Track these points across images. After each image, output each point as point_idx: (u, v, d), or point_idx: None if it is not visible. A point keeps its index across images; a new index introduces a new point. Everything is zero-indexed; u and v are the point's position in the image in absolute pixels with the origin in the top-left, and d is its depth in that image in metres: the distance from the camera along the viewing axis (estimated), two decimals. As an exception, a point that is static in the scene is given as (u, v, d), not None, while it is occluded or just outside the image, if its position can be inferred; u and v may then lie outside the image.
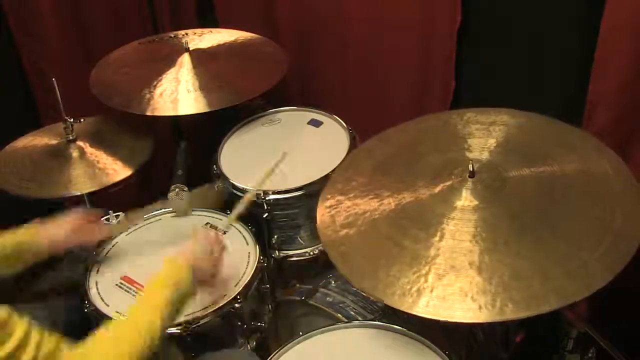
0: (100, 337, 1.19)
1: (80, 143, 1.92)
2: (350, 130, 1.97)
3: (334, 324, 1.54)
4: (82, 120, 2.00)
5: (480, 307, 1.17)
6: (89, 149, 1.91)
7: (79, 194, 1.82)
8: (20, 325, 1.10)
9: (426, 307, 1.20)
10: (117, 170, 1.86)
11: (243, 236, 1.78)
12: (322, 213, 1.46)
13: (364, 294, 1.73)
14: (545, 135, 1.53)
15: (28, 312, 1.61)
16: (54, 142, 1.94)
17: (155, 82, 1.97)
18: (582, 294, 1.16)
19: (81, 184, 1.82)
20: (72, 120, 1.90)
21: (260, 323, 1.73)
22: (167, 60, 2.05)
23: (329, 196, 1.50)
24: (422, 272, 1.25)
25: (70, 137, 1.91)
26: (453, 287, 1.21)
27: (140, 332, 1.19)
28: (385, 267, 1.28)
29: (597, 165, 1.42)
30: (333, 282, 1.82)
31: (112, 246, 1.79)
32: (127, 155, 1.91)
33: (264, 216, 1.80)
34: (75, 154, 1.89)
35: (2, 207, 2.01)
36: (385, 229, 1.36)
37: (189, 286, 1.33)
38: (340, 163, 1.78)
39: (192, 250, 1.41)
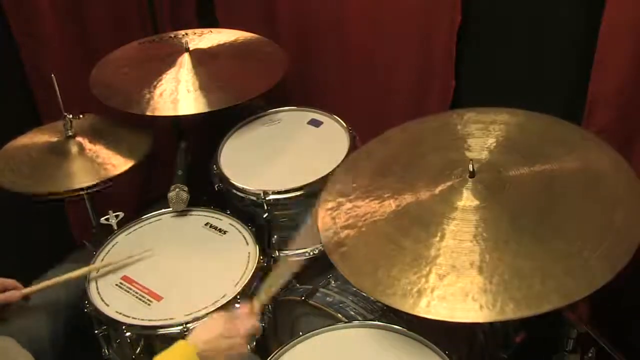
0: None
1: (79, 139, 1.92)
2: (350, 130, 1.97)
3: (334, 324, 1.54)
4: (81, 116, 1.99)
5: (481, 307, 1.17)
6: (87, 145, 1.91)
7: (77, 187, 1.82)
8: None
9: (427, 307, 1.20)
10: (116, 165, 1.85)
11: (243, 236, 1.78)
12: (323, 215, 1.46)
13: (364, 294, 1.73)
14: (545, 134, 1.52)
15: (29, 312, 1.64)
16: (53, 139, 1.94)
17: (155, 82, 1.96)
18: (583, 292, 1.16)
19: (80, 178, 1.82)
20: (71, 116, 1.90)
21: (260, 323, 1.73)
22: (167, 60, 2.05)
23: (330, 198, 1.50)
24: (422, 273, 1.25)
25: (70, 133, 1.91)
26: (454, 287, 1.21)
27: None
28: (386, 267, 1.28)
29: (597, 164, 1.42)
30: (333, 282, 1.81)
31: (112, 246, 1.79)
32: (127, 149, 1.90)
33: (264, 216, 1.80)
34: (74, 149, 1.89)
35: (2, 207, 2.01)
36: (386, 229, 1.36)
37: None
38: (341, 164, 1.78)
39: (209, 338, 1.33)
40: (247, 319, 1.38)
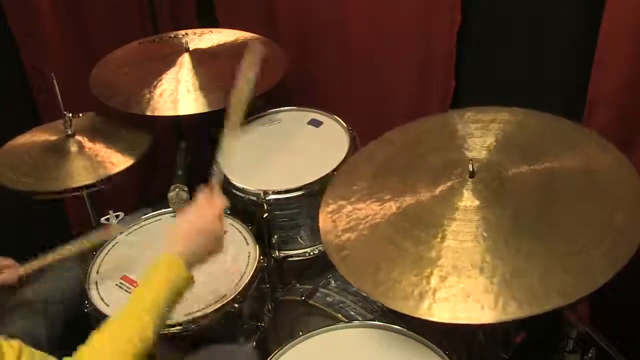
0: (91, 348, 1.16)
1: (79, 137, 1.92)
2: (350, 130, 1.97)
3: (334, 324, 1.54)
4: (80, 115, 1.99)
5: (483, 308, 1.17)
6: (87, 143, 1.91)
7: (77, 186, 1.82)
8: (10, 350, 1.09)
9: (429, 309, 1.20)
10: (115, 163, 1.85)
11: (243, 236, 1.78)
12: (324, 218, 1.46)
13: (363, 294, 1.73)
14: (544, 133, 1.52)
15: (28, 312, 1.64)
16: (53, 138, 1.94)
17: (155, 82, 1.96)
18: (584, 291, 1.16)
19: (80, 176, 1.82)
20: (70, 115, 1.90)
21: (260, 323, 1.73)
22: (167, 60, 2.05)
23: (331, 201, 1.50)
24: (424, 274, 1.25)
25: (69, 132, 1.91)
26: (455, 288, 1.21)
27: (132, 339, 1.16)
28: (387, 270, 1.28)
29: (598, 162, 1.41)
30: (333, 282, 1.82)
31: (112, 246, 1.79)
32: (126, 147, 1.91)
33: (264, 216, 1.80)
34: (73, 148, 1.89)
35: (1, 207, 2.01)
36: (387, 232, 1.36)
37: (184, 281, 1.26)
38: (341, 166, 1.78)
39: (183, 237, 1.30)
40: (211, 200, 1.35)
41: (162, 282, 1.24)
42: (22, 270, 1.60)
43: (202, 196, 1.36)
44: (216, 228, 1.33)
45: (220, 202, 1.36)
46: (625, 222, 1.26)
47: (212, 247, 1.32)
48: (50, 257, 1.62)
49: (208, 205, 1.34)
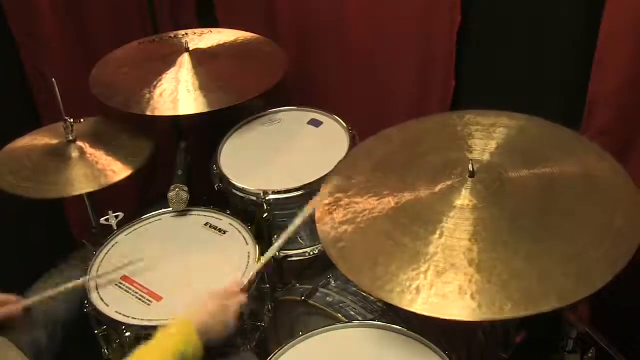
0: None
1: (80, 143, 1.91)
2: (350, 130, 1.97)
3: (334, 324, 1.54)
4: (82, 120, 1.99)
5: (479, 306, 1.17)
6: (88, 150, 1.90)
7: (78, 194, 1.82)
8: None
9: (424, 304, 1.20)
10: (116, 172, 1.85)
11: (243, 236, 1.78)
12: (321, 210, 1.46)
13: (363, 294, 1.73)
14: (545, 138, 1.53)
15: (27, 313, 1.63)
16: (54, 142, 1.94)
17: (155, 82, 1.96)
18: (582, 294, 1.16)
19: (80, 184, 1.82)
20: (72, 120, 1.89)
21: (260, 323, 1.73)
22: (167, 60, 2.05)
23: (328, 194, 1.50)
24: (421, 270, 1.25)
25: (70, 138, 1.90)
26: (452, 285, 1.21)
27: None
28: (384, 264, 1.28)
29: (596, 168, 1.42)
30: (333, 282, 1.82)
31: (112, 246, 1.79)
32: (127, 156, 1.90)
33: (264, 216, 1.80)
34: (75, 154, 1.88)
35: (1, 208, 2.01)
36: (385, 226, 1.36)
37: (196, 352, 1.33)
38: (340, 162, 1.78)
39: (205, 314, 1.40)
40: (235, 296, 1.47)
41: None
42: (23, 304, 1.57)
43: (230, 289, 1.48)
44: (230, 322, 1.44)
45: (240, 300, 1.48)
46: (623, 225, 1.26)
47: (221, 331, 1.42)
48: (49, 293, 1.60)
49: (231, 299, 1.46)
